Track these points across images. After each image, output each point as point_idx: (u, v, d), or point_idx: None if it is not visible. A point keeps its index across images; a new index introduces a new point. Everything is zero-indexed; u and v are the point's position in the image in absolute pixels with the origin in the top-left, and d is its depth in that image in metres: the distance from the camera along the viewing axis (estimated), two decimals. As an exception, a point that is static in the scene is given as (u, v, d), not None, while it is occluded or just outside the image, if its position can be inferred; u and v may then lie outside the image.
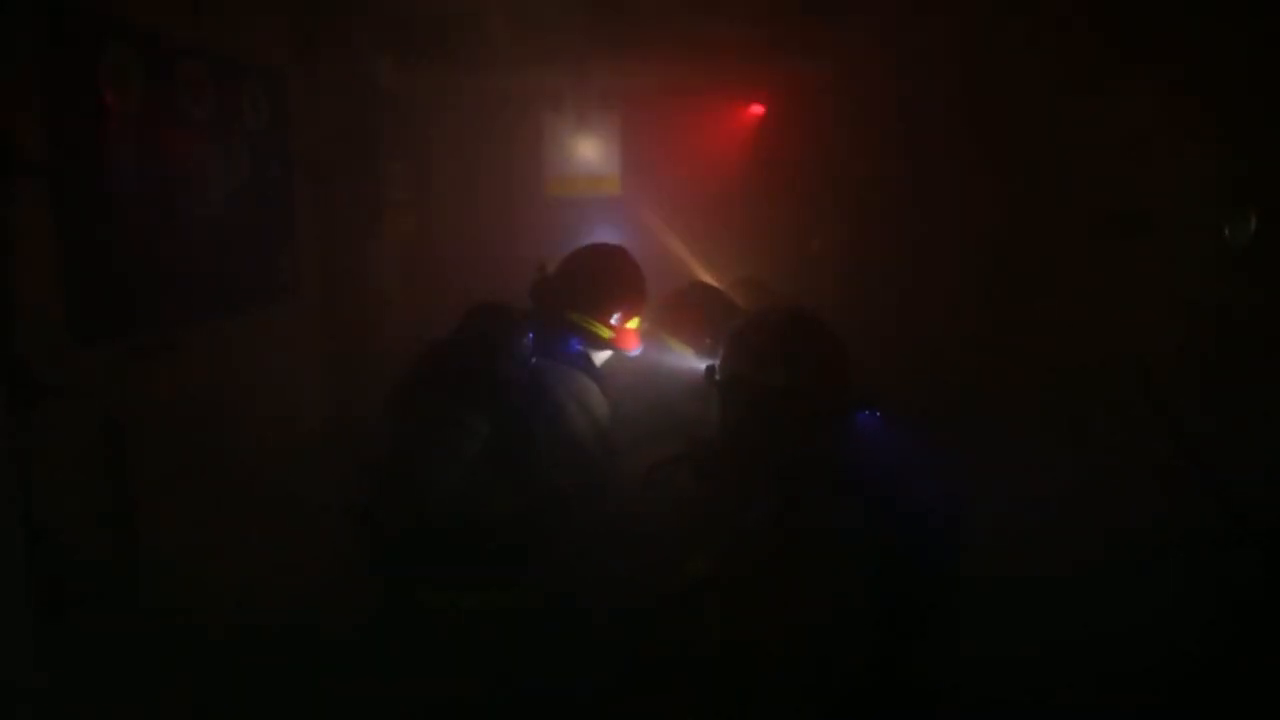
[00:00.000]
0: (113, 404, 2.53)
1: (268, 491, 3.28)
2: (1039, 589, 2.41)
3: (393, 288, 4.51)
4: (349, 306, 4.19)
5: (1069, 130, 3.07)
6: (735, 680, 1.89)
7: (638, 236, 4.04)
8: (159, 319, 2.81)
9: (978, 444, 2.67)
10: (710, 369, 2.21)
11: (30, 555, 2.21)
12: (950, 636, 1.92)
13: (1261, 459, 2.12)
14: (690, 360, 2.73)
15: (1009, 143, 3.32)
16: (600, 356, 2.58)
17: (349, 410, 3.86)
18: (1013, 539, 2.36)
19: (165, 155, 2.83)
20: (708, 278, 3.49)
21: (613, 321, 2.53)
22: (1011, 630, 2.17)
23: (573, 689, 2.20)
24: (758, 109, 4.60)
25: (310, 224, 3.93)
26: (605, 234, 4.24)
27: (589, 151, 4.48)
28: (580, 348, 2.47)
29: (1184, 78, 2.62)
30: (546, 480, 2.23)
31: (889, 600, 1.86)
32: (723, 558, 1.99)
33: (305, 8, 3.70)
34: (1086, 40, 2.98)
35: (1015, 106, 3.30)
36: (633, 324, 2.59)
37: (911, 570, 1.89)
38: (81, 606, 2.36)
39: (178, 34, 2.87)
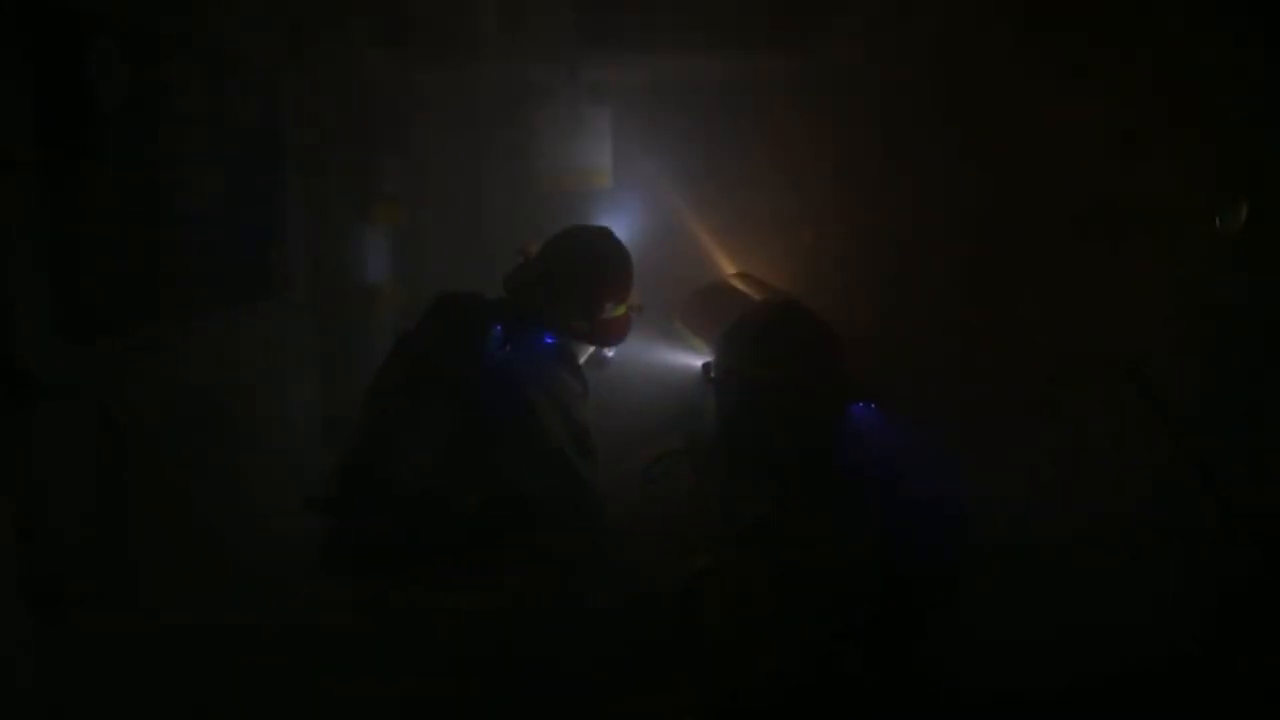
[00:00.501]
0: (105, 401, 2.51)
1: (261, 489, 3.27)
2: (1036, 586, 2.42)
3: (384, 282, 4.49)
4: (341, 302, 4.17)
5: (1061, 122, 3.07)
6: (735, 677, 1.90)
7: (633, 230, 4.01)
8: (150, 316, 2.78)
9: (973, 439, 2.68)
10: (706, 366, 2.20)
11: (26, 554, 2.20)
12: (949, 634, 1.93)
13: (1260, 454, 2.13)
14: (691, 357, 2.72)
15: (1002, 135, 3.32)
16: (583, 350, 2.51)
17: (341, 406, 3.84)
18: (1009, 535, 2.36)
19: (154, 150, 2.80)
20: (729, 275, 3.46)
21: (603, 312, 2.44)
22: (1010, 627, 2.17)
23: (544, 690, 2.17)
24: (750, 101, 4.58)
25: (301, 219, 3.90)
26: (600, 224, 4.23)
27: (580, 144, 4.46)
28: (554, 340, 2.36)
29: (1177, 68, 2.62)
30: (514, 479, 2.17)
31: (887, 597, 1.87)
32: (722, 553, 2.00)
33: (296, 0, 3.66)
34: (1077, 30, 2.98)
35: (1006, 98, 3.30)
36: (619, 311, 2.50)
37: (910, 567, 1.90)
38: (78, 605, 2.35)
39: (165, 27, 2.84)
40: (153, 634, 2.51)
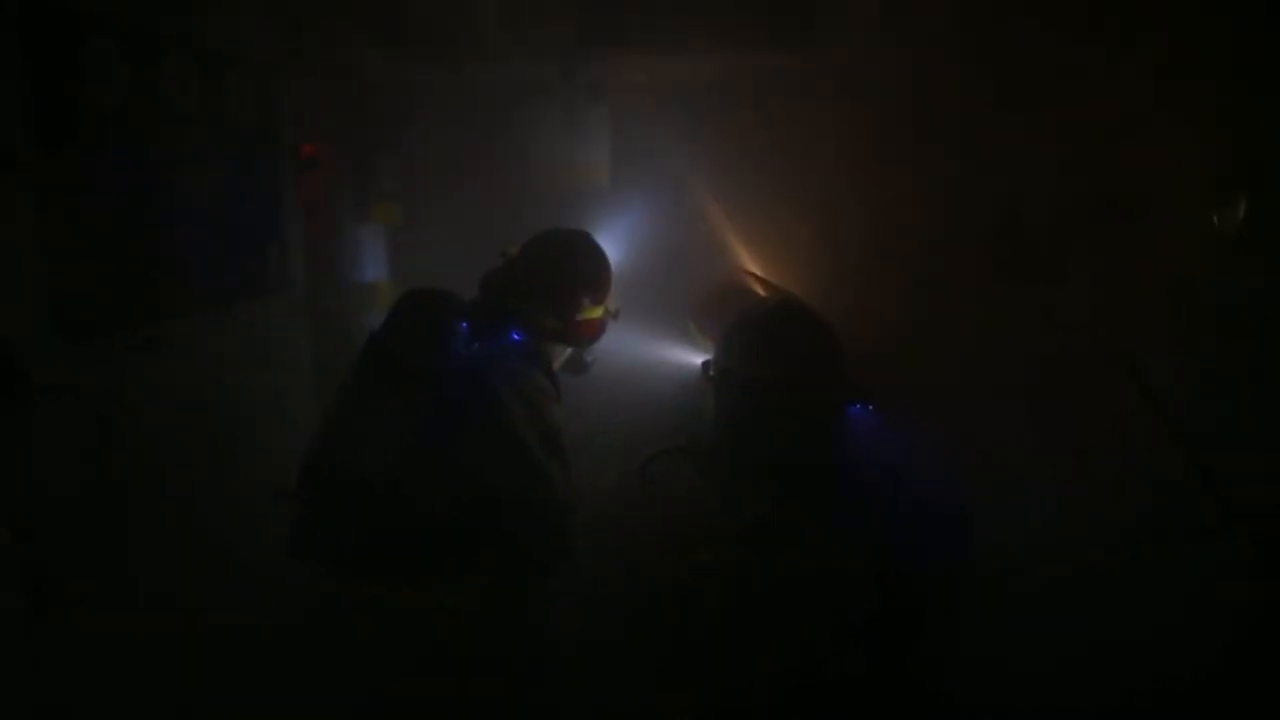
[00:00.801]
0: (101, 400, 2.50)
1: (258, 487, 3.26)
2: (1033, 586, 2.41)
3: (383, 282, 4.48)
4: (336, 301, 4.17)
5: (1059, 114, 3.07)
6: (734, 677, 1.89)
7: (631, 230, 4.02)
8: (148, 315, 2.78)
9: (972, 439, 2.68)
10: (705, 364, 2.20)
11: (21, 554, 2.20)
12: (948, 636, 1.92)
13: (1259, 454, 2.13)
14: (696, 355, 2.72)
15: (1002, 133, 3.32)
16: (558, 352, 2.51)
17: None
18: (1007, 535, 2.36)
19: (150, 149, 2.80)
20: (743, 274, 3.46)
21: (578, 312, 2.44)
22: (1008, 629, 2.17)
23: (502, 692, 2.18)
24: (750, 101, 4.58)
25: (300, 218, 3.90)
26: (596, 225, 4.24)
27: (578, 144, 4.46)
28: (521, 337, 2.36)
29: (1178, 58, 2.62)
30: (480, 475, 2.16)
31: (886, 599, 1.86)
32: (722, 553, 1.99)
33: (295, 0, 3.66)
34: (1076, 20, 2.98)
35: (1005, 96, 3.30)
36: (596, 313, 2.49)
37: (910, 567, 1.89)
38: (73, 605, 2.35)
39: (162, 26, 2.84)
40: (145, 631, 2.50)
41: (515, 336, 2.35)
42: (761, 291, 3.04)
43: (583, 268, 2.48)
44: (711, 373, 2.15)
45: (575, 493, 2.24)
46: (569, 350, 2.54)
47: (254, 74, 3.46)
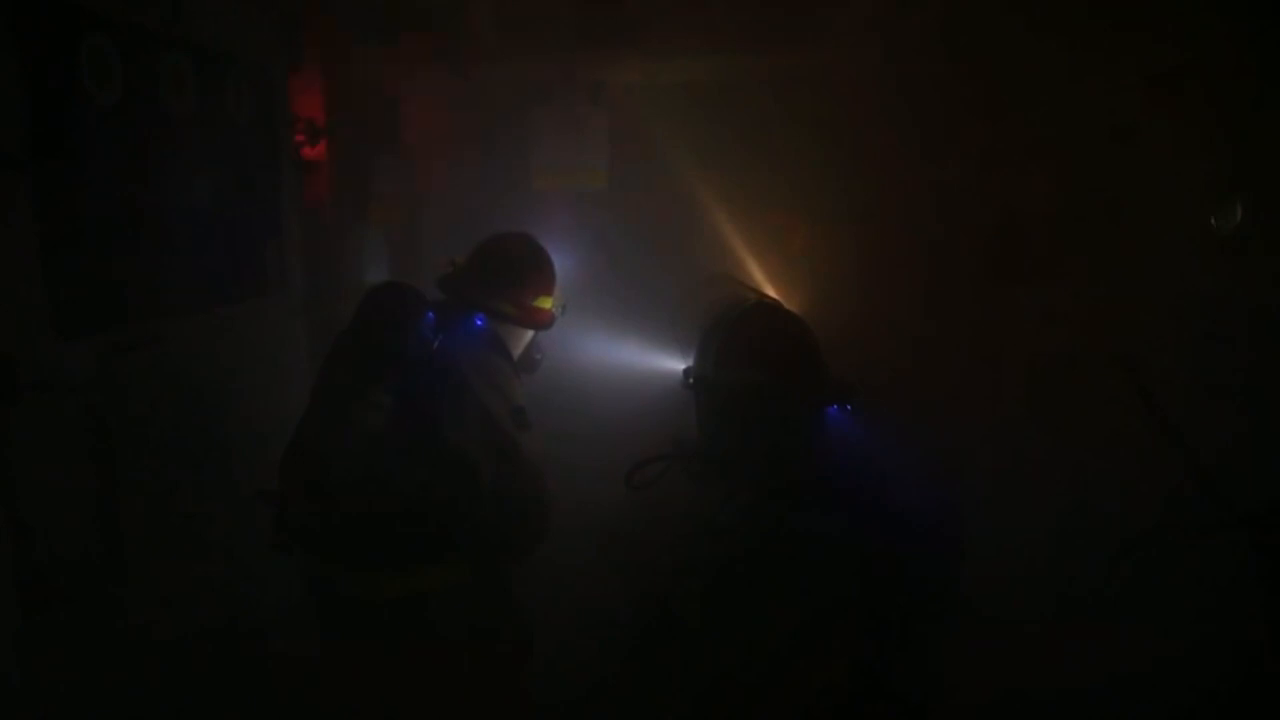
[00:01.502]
0: (97, 399, 2.50)
1: (254, 486, 3.26)
2: (1025, 590, 2.41)
3: (379, 281, 4.47)
4: (335, 301, 4.16)
5: (1059, 117, 3.07)
6: (718, 683, 1.88)
7: (628, 230, 4.03)
8: (143, 313, 2.78)
9: (962, 439, 2.68)
10: (686, 370, 2.19)
11: (16, 553, 2.20)
12: (936, 642, 1.90)
13: (1256, 449, 2.13)
14: (673, 362, 2.72)
15: (997, 132, 3.32)
16: (518, 338, 2.59)
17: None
18: (1004, 539, 2.36)
19: (148, 148, 2.80)
20: (729, 276, 3.46)
21: (530, 302, 2.56)
22: (997, 635, 2.17)
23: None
24: (748, 103, 4.59)
25: (296, 217, 3.90)
26: (594, 228, 4.26)
27: (577, 144, 4.46)
28: (483, 324, 2.48)
29: (1176, 61, 2.62)
30: (454, 452, 2.23)
31: (869, 606, 1.84)
32: (705, 556, 1.98)
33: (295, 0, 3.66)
34: (1074, 25, 2.98)
35: (1002, 94, 3.30)
36: (545, 303, 2.61)
37: (896, 572, 1.87)
38: (68, 603, 2.35)
39: (160, 25, 2.84)
40: (140, 630, 2.51)
41: (479, 323, 2.48)
42: (739, 294, 3.03)
43: (523, 268, 2.62)
44: (690, 379, 2.14)
45: (546, 463, 2.36)
46: (526, 339, 2.64)
47: (254, 74, 3.45)
